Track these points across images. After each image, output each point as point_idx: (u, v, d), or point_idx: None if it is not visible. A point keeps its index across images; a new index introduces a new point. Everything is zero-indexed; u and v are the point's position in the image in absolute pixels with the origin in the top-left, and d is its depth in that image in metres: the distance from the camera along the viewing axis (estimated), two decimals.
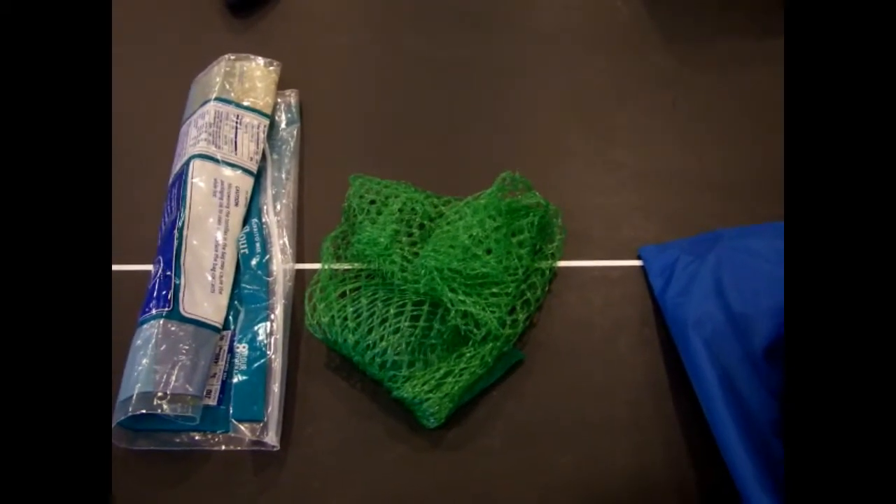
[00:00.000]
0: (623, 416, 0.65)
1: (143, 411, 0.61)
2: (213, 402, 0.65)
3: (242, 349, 0.66)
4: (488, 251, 0.65)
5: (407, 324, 0.63)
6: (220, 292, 0.69)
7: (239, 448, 0.64)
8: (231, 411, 0.63)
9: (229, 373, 0.66)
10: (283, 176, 0.77)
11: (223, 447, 0.64)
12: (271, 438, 0.62)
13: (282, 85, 0.84)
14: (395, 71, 0.88)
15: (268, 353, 0.66)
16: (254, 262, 0.71)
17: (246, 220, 0.74)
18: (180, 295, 0.66)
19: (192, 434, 0.64)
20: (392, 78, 0.88)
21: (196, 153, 0.74)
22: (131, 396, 0.61)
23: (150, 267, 0.72)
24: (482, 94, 0.85)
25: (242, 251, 0.71)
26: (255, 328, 0.67)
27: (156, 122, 0.84)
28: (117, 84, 0.88)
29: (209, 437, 0.64)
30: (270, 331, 0.66)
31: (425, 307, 0.64)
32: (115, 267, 0.75)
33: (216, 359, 0.67)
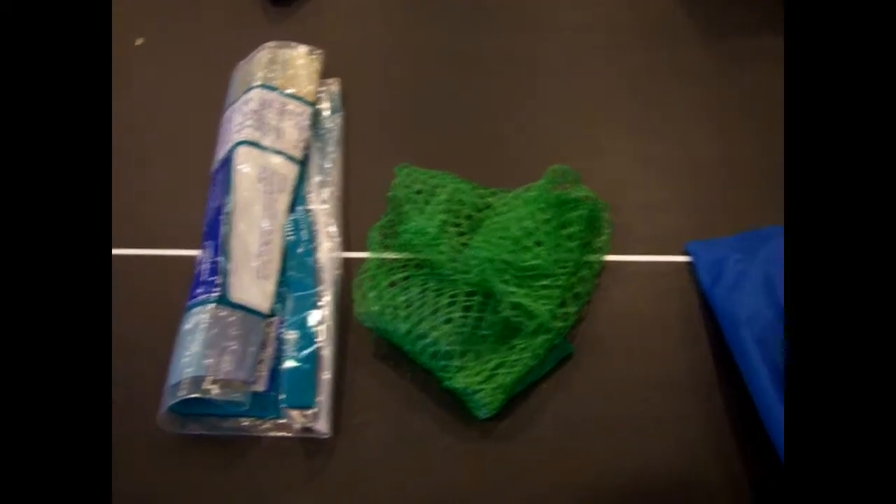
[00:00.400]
0: (670, 410, 0.65)
1: (194, 396, 0.61)
2: (261, 388, 0.65)
3: (292, 336, 0.66)
4: (538, 243, 0.65)
5: (459, 314, 0.63)
6: (267, 279, 0.69)
7: (287, 435, 0.64)
8: (282, 398, 0.63)
9: (278, 360, 0.66)
10: (328, 164, 0.77)
11: (271, 433, 0.64)
12: (322, 426, 0.62)
13: (323, 74, 0.84)
14: (435, 62, 0.88)
15: (318, 340, 0.65)
16: (300, 249, 0.71)
17: (292, 208, 0.73)
18: (229, 280, 0.66)
19: (241, 420, 0.64)
20: (433, 69, 0.87)
21: (241, 140, 0.74)
22: (182, 381, 0.61)
23: (192, 252, 0.72)
24: (523, 87, 0.85)
25: (289, 238, 0.71)
26: (305, 315, 0.67)
27: (198, 109, 0.84)
28: (158, 72, 0.89)
29: (257, 423, 0.64)
30: (320, 318, 0.66)
31: (477, 298, 0.64)
32: (159, 252, 0.74)
33: (263, 345, 0.66)
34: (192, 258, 0.72)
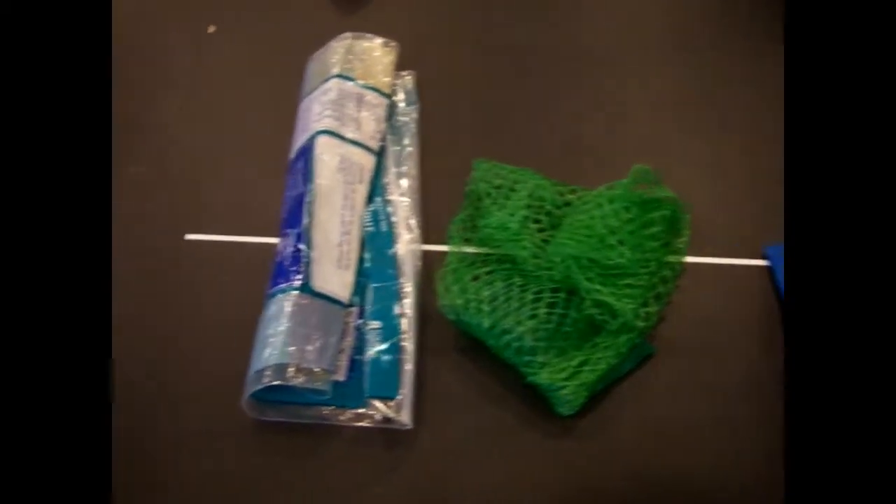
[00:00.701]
0: (750, 413, 0.65)
1: (277, 382, 0.61)
2: (341, 377, 0.65)
3: (375, 326, 0.66)
4: (621, 242, 0.65)
5: (544, 310, 0.63)
6: (347, 269, 0.69)
7: (367, 424, 0.64)
8: (365, 388, 0.63)
9: (357, 349, 0.66)
10: (405, 156, 0.77)
11: (352, 423, 0.64)
12: (405, 417, 0.62)
13: (396, 66, 0.84)
14: (508, 56, 0.88)
15: (400, 331, 0.65)
16: (380, 240, 0.71)
17: (370, 199, 0.73)
18: (311, 269, 0.66)
19: (321, 408, 0.64)
20: (505, 63, 0.87)
21: (321, 129, 0.74)
22: (266, 368, 0.62)
23: (264, 239, 0.73)
24: (596, 84, 0.85)
25: (368, 229, 0.71)
26: (387, 306, 0.67)
27: (269, 96, 0.84)
28: (230, 60, 0.89)
29: (337, 412, 0.64)
30: (402, 310, 0.66)
31: (562, 294, 0.64)
32: (237, 238, 0.75)
33: (343, 335, 0.67)
34: (264, 245, 0.73)
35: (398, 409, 0.62)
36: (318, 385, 0.62)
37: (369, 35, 0.83)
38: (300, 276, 0.66)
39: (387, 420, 0.63)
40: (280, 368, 0.62)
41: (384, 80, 0.81)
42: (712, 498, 0.62)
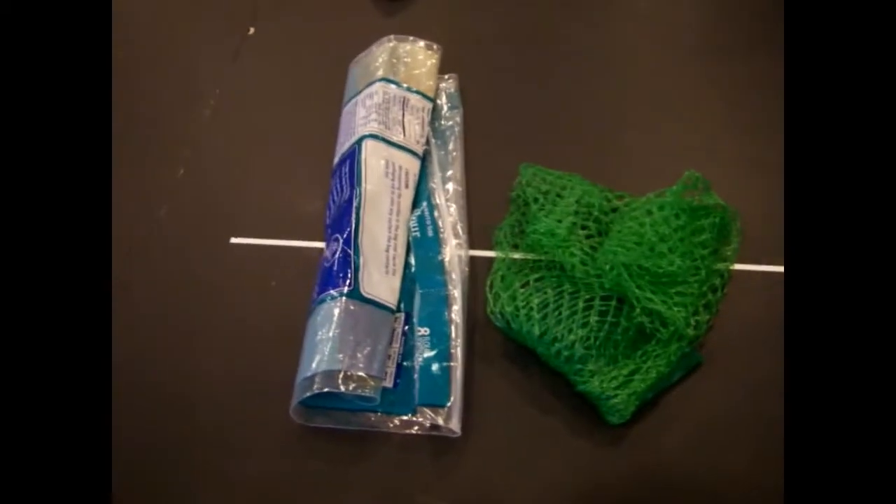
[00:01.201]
0: None
1: (326, 389, 0.61)
2: (389, 384, 0.65)
3: (423, 333, 0.65)
4: (670, 250, 0.64)
5: (595, 319, 0.63)
6: (394, 274, 0.69)
7: (416, 432, 0.64)
8: (415, 395, 0.63)
9: (404, 356, 0.66)
10: (450, 161, 0.77)
11: (400, 430, 0.64)
12: (454, 424, 0.62)
13: (438, 70, 0.84)
14: (548, 58, 0.87)
15: (449, 338, 0.65)
16: (426, 246, 0.71)
17: (415, 204, 0.73)
18: (360, 275, 0.66)
19: (368, 415, 0.64)
20: (546, 65, 0.87)
21: (367, 133, 0.74)
22: (315, 374, 0.62)
23: (302, 243, 0.73)
24: (642, 87, 0.85)
25: (414, 234, 0.71)
26: (436, 312, 0.66)
27: (314, 101, 0.84)
28: (270, 61, 0.89)
29: (385, 419, 0.64)
30: (451, 316, 0.66)
31: (613, 302, 0.64)
32: (281, 242, 0.75)
33: (391, 341, 0.66)
34: (302, 249, 0.74)
35: (448, 417, 0.62)
36: (368, 392, 0.62)
37: (412, 38, 0.83)
38: (349, 282, 0.65)
39: (435, 427, 0.63)
40: (329, 375, 0.61)
41: (428, 84, 0.80)
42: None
